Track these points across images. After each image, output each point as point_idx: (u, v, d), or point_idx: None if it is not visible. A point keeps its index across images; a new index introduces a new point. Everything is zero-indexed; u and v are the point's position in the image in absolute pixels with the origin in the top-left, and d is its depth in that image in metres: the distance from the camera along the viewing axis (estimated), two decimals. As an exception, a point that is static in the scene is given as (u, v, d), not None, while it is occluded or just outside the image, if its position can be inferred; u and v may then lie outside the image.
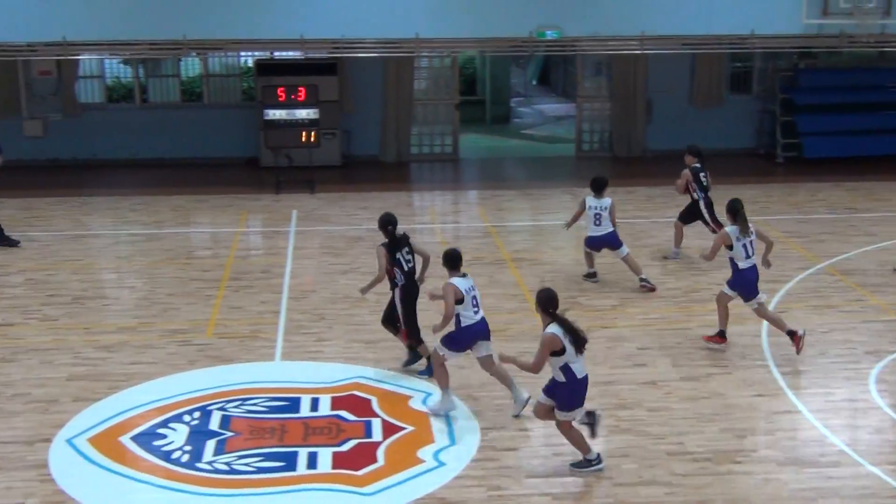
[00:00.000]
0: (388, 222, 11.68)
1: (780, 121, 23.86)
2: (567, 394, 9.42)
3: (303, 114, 21.36)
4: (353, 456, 9.89)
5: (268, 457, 9.90)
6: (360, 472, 9.59)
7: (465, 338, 10.73)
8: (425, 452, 9.95)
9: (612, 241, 14.85)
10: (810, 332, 12.47)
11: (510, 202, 20.57)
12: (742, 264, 12.29)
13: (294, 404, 11.03)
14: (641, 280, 14.81)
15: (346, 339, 12.91)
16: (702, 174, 16.21)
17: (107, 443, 10.17)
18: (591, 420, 9.66)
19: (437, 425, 10.48)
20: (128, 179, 22.45)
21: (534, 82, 36.21)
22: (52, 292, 14.80)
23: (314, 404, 11.03)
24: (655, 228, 18.08)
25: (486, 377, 11.55)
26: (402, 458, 9.86)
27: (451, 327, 10.73)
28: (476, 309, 10.70)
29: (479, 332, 10.76)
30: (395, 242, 11.61)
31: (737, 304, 12.61)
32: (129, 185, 21.89)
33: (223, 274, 15.64)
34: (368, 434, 10.35)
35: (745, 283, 12.34)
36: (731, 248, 12.31)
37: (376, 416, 10.73)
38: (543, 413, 9.72)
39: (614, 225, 14.76)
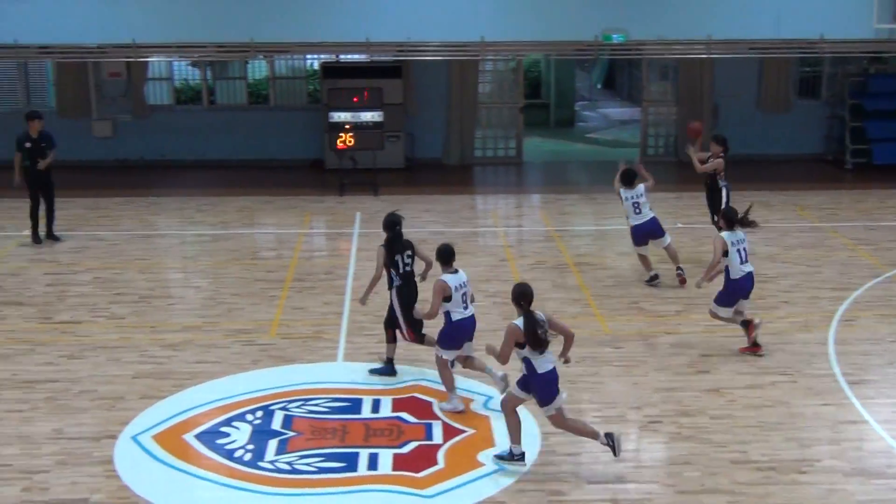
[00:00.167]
0: (395, 223, 11.70)
1: (849, 126, 23.49)
2: (535, 385, 9.47)
3: (367, 116, 21.47)
4: (413, 458, 9.91)
5: (329, 457, 9.95)
6: (420, 475, 9.60)
7: (458, 334, 10.86)
8: (486, 456, 9.93)
9: (655, 229, 14.93)
10: (878, 342, 12.26)
11: (573, 206, 20.48)
12: (734, 274, 12.21)
13: (355, 405, 11.09)
14: (678, 269, 14.91)
15: (409, 342, 12.91)
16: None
17: (171, 440, 10.30)
18: (611, 442, 9.56)
19: (498, 429, 10.46)
20: (194, 180, 22.72)
21: (598, 86, 36.06)
22: (120, 291, 15.02)
23: (375, 405, 11.07)
24: (720, 234, 17.89)
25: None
26: (462, 461, 9.86)
27: (441, 324, 10.90)
28: (465, 305, 10.83)
29: (469, 328, 10.91)
30: (397, 244, 11.63)
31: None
32: (195, 185, 22.15)
33: (287, 275, 15.76)
34: (429, 436, 10.36)
35: (731, 292, 12.30)
36: (726, 254, 12.20)
37: (437, 418, 10.74)
38: (510, 402, 9.70)
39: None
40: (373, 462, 9.85)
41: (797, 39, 20.50)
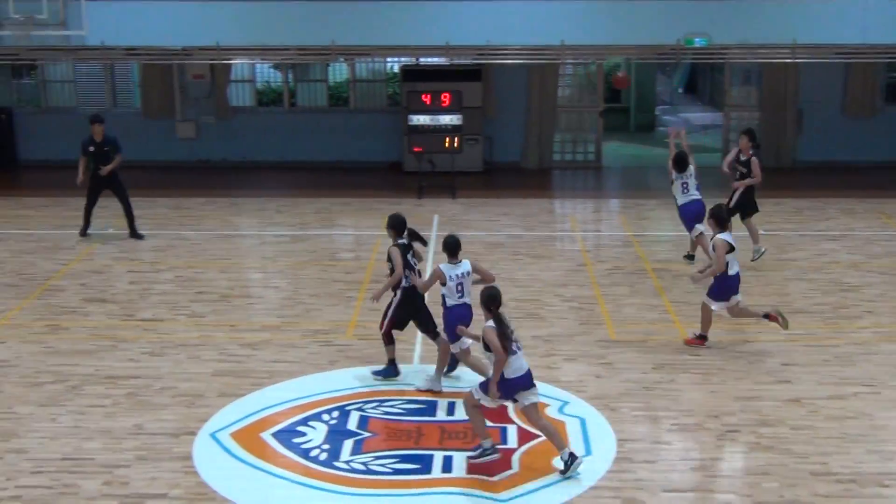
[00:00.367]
0: (404, 224, 11.70)
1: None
2: (501, 386, 9.52)
3: (446, 119, 21.51)
4: (488, 461, 9.88)
5: (404, 458, 9.98)
6: (494, 478, 9.58)
7: (452, 318, 11.12)
8: (561, 461, 9.87)
9: (701, 211, 15.09)
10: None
11: (653, 211, 20.30)
12: (731, 270, 12.34)
13: (431, 407, 11.10)
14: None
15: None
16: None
17: (248, 438, 10.41)
18: (571, 462, 9.53)
19: (573, 434, 10.40)
20: (274, 181, 22.98)
21: (680, 90, 35.70)
22: (200, 290, 15.23)
23: (450, 408, 11.07)
24: (803, 242, 17.63)
25: (626, 388, 11.46)
26: (536, 466, 9.81)
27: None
28: (460, 294, 11.18)
29: (463, 316, 11.15)
30: (407, 243, 11.68)
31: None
32: (275, 186, 22.40)
33: (364, 276, 15.86)
34: (504, 440, 10.33)
35: (726, 288, 12.39)
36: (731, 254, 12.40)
37: (512, 422, 10.70)
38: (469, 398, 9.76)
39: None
40: (447, 464, 9.86)
41: (884, 45, 20.08)
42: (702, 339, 12.74)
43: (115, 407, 11.15)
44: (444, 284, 11.18)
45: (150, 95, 24.41)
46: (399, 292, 11.63)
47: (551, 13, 20.09)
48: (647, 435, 10.45)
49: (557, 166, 24.56)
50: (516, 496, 9.29)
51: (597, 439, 10.33)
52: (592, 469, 9.72)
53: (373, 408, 11.04)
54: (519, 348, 9.59)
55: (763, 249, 16.11)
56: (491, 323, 9.55)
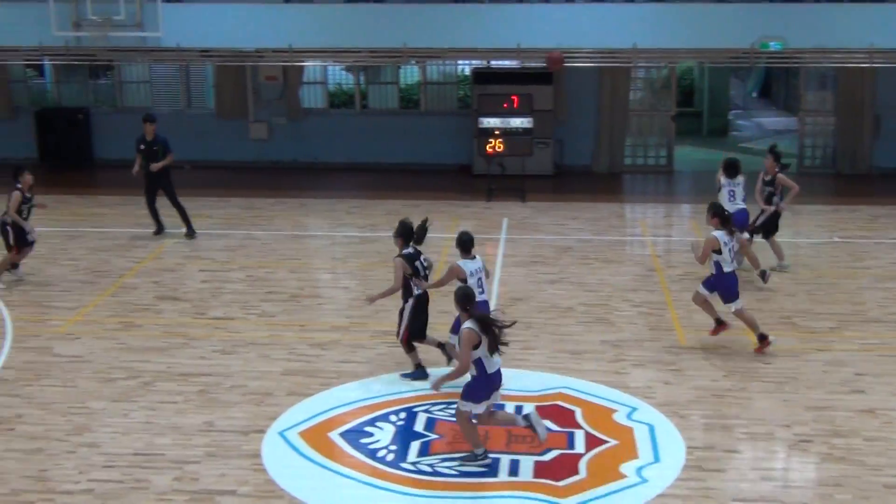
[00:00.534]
0: (412, 231, 11.71)
1: None
2: (474, 385, 9.62)
3: (517, 122, 21.48)
4: (554, 466, 9.84)
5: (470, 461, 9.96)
6: (560, 483, 9.54)
7: None
8: (628, 468, 9.80)
9: (746, 220, 15.18)
10: None
11: (725, 217, 20.01)
12: (727, 268, 12.47)
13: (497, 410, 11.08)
14: (763, 272, 14.95)
15: (553, 349, 12.87)
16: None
17: (316, 437, 10.47)
18: (529, 422, 9.69)
19: (641, 441, 10.32)
20: (345, 183, 23.12)
21: (754, 94, 35.25)
22: (271, 289, 15.36)
23: (517, 412, 11.01)
24: (879, 250, 17.30)
25: (696, 395, 11.35)
26: (603, 472, 9.75)
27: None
28: (481, 290, 11.27)
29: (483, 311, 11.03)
30: (413, 252, 11.69)
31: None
32: (345, 188, 22.53)
33: (433, 278, 15.81)
34: (571, 445, 10.28)
35: (727, 287, 12.54)
36: (719, 252, 12.42)
37: (580, 427, 10.65)
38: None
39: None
40: (514, 468, 9.83)
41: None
42: (721, 324, 12.81)
43: (186, 404, 11.29)
44: (464, 281, 11.16)
45: (224, 97, 24.69)
46: (411, 300, 11.69)
47: (623, 16, 19.97)
48: (718, 443, 10.32)
49: (628, 170, 24.38)
50: (582, 502, 9.24)
51: (665, 446, 10.23)
52: (661, 476, 9.63)
53: (440, 410, 11.05)
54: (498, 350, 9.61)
55: (788, 265, 15.93)
56: (470, 324, 9.48)
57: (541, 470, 9.77)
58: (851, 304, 14.42)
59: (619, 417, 10.90)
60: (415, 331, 11.77)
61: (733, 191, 15.33)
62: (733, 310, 12.64)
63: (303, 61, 23.09)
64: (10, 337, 13.35)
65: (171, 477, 9.68)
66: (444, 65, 24.82)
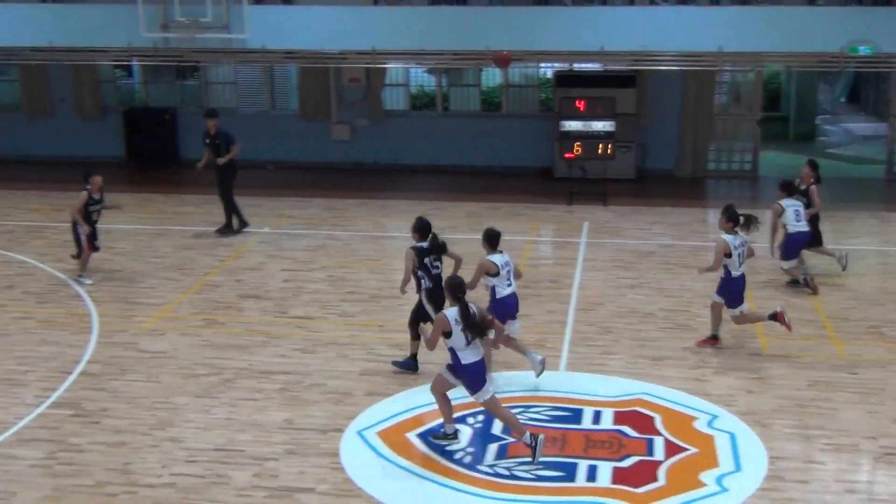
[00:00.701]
0: (427, 227, 11.97)
1: None
2: (461, 375, 9.94)
3: (599, 126, 21.34)
4: (633, 473, 9.75)
5: (548, 465, 9.92)
6: (639, 490, 9.45)
7: (502, 309, 11.44)
8: (708, 476, 9.67)
9: (804, 241, 15.07)
10: None
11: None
12: (735, 272, 12.48)
13: (576, 415, 11.02)
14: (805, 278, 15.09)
15: (632, 354, 12.76)
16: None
17: (394, 437, 10.51)
18: (534, 443, 9.83)
19: (722, 449, 10.17)
20: (426, 184, 23.17)
21: (842, 99, 34.57)
22: (351, 290, 15.46)
23: (596, 417, 10.96)
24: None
25: (779, 404, 11.17)
26: (683, 480, 9.63)
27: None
28: (509, 283, 11.58)
29: (512, 305, 11.64)
30: (427, 247, 11.79)
31: None
32: (426, 189, 22.58)
33: (512, 281, 15.80)
34: (650, 452, 10.18)
35: (733, 291, 12.56)
36: (729, 255, 12.43)
37: (659, 434, 10.54)
38: (439, 384, 10.22)
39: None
40: (591, 474, 9.76)
41: None
42: (714, 339, 12.88)
43: (267, 401, 11.41)
44: (495, 275, 11.49)
45: (308, 98, 24.92)
46: (423, 294, 11.87)
47: (708, 18, 19.73)
48: (800, 454, 10.14)
49: (712, 175, 24.06)
50: (662, 509, 9.15)
51: (747, 456, 10.08)
52: (742, 486, 9.50)
53: (518, 413, 11.00)
54: (473, 340, 9.84)
55: (844, 255, 15.81)
56: (450, 312, 9.79)
57: (619, 476, 9.69)
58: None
59: (700, 425, 10.76)
60: (422, 316, 11.82)
61: (798, 210, 14.93)
62: (733, 315, 12.71)
63: (386, 63, 23.20)
64: (96, 332, 13.63)
65: (251, 473, 9.78)
66: (526, 67, 24.75)
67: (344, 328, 13.80)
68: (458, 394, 11.43)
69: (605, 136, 21.26)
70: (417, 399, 11.36)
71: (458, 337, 9.82)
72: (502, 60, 16.26)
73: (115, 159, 24.92)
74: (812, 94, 29.65)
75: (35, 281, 15.86)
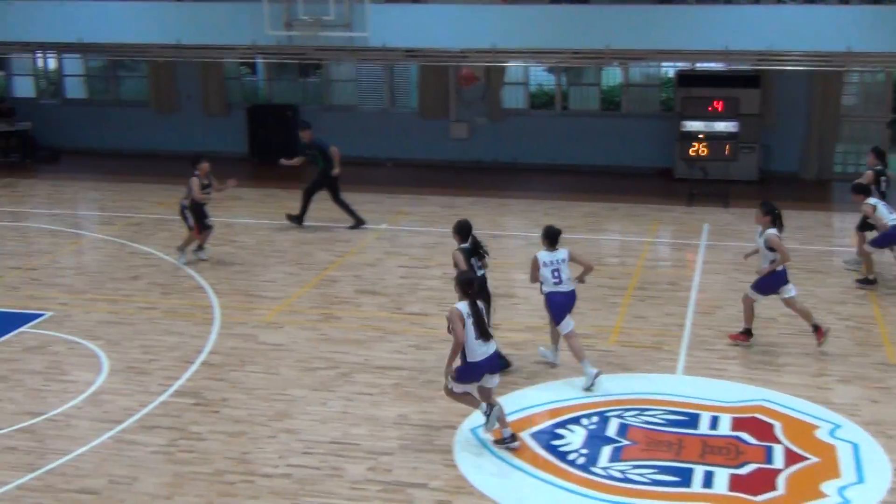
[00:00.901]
0: (470, 228, 12.06)
1: None
2: (461, 369, 10.03)
3: (721, 126, 20.96)
4: (751, 480, 9.56)
5: (663, 470, 9.79)
6: (757, 498, 9.25)
7: (550, 306, 11.82)
8: (830, 487, 9.42)
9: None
10: None
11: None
12: (780, 266, 12.55)
13: (693, 420, 10.84)
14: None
15: (753, 360, 12.50)
16: (882, 178, 15.74)
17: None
18: (488, 412, 10.08)
19: (844, 459, 9.90)
20: (544, 184, 23.08)
21: (977, 101, 33.35)
22: (467, 287, 15.46)
23: (714, 422, 10.78)
24: None
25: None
26: (803, 490, 9.41)
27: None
28: (557, 280, 11.72)
29: (560, 302, 11.76)
30: (469, 248, 11.93)
31: None
32: (544, 189, 22.49)
33: (630, 282, 15.67)
34: (769, 460, 9.96)
35: (774, 282, 12.60)
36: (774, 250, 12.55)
37: (779, 442, 10.30)
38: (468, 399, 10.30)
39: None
40: (708, 480, 9.60)
41: None
42: (746, 334, 12.87)
43: (382, 396, 11.51)
44: (536, 269, 11.79)
45: (427, 96, 25.05)
46: None
47: (837, 18, 19.18)
48: (927, 467, 9.81)
49: (838, 178, 23.42)
50: (780, 519, 8.95)
51: (870, 467, 9.79)
52: (864, 498, 9.24)
53: (633, 416, 10.90)
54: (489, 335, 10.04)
55: (859, 261, 15.82)
56: (461, 305, 9.96)
57: (737, 483, 9.51)
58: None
59: (822, 434, 10.49)
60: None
61: (885, 204, 15.10)
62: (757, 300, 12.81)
63: (505, 62, 23.18)
64: (217, 323, 13.93)
65: (366, 467, 9.88)
66: (647, 67, 24.46)
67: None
68: (568, 394, 11.38)
69: (728, 137, 20.88)
70: (530, 399, 11.34)
71: (469, 330, 9.93)
72: (465, 80, 16.13)
73: (239, 154, 25.44)
74: (945, 95, 28.66)
75: (160, 272, 16.29)
